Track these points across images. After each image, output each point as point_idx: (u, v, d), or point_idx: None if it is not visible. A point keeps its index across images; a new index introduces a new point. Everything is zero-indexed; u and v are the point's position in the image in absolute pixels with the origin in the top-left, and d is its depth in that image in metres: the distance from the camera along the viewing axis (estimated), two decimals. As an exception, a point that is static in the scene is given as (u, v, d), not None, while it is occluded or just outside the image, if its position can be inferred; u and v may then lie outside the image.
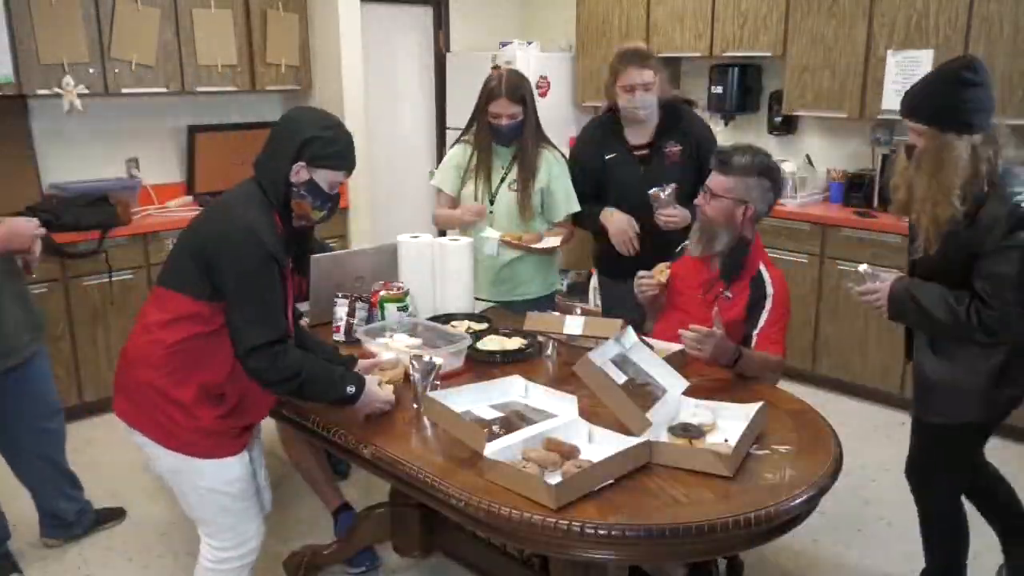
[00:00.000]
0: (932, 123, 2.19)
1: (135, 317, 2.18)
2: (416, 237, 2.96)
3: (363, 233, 5.01)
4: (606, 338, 2.24)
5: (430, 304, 2.93)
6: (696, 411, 2.12)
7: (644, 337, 2.39)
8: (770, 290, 2.53)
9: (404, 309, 2.77)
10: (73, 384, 4.02)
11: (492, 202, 3.13)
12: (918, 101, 2.23)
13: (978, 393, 2.28)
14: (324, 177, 2.08)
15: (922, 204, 2.23)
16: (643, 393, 2.13)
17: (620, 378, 2.10)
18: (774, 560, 2.97)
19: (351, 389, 2.11)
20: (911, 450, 2.53)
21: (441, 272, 2.94)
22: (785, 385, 2.62)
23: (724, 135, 4.90)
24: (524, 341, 2.62)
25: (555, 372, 2.51)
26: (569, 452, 1.89)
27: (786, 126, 4.89)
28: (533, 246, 3.09)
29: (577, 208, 3.21)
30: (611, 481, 1.82)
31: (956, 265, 2.22)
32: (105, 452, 3.70)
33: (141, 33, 4.19)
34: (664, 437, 1.99)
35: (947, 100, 2.17)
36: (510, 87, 2.99)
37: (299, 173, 2.06)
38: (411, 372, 2.20)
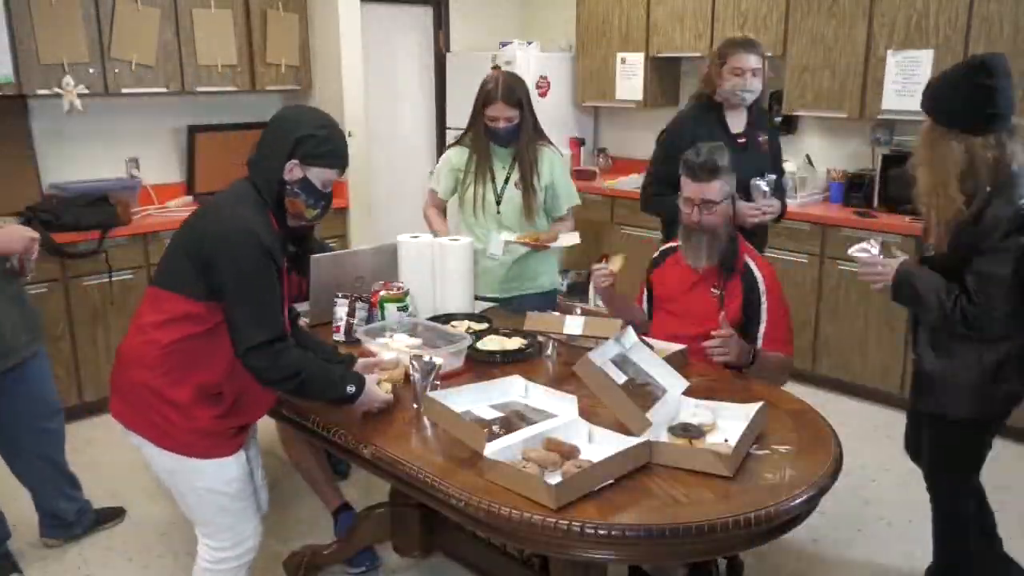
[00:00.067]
0: (929, 114, 2.27)
1: (133, 318, 2.18)
2: (416, 237, 2.96)
3: (363, 233, 5.01)
4: (606, 338, 2.24)
5: (430, 304, 2.94)
6: (696, 411, 2.12)
7: (644, 337, 2.39)
8: (762, 286, 2.59)
9: (404, 309, 2.77)
10: (73, 384, 4.02)
11: (499, 202, 3.14)
12: (927, 91, 2.30)
13: (971, 388, 2.31)
14: (317, 175, 2.08)
15: (927, 197, 2.28)
16: (643, 393, 2.13)
17: (620, 378, 2.10)
18: (774, 560, 2.97)
19: (351, 388, 2.11)
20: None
21: (441, 272, 2.94)
22: (785, 385, 2.62)
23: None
24: (524, 341, 2.62)
25: (555, 372, 2.51)
26: (569, 452, 1.89)
27: (786, 126, 4.88)
28: (552, 245, 3.10)
29: (577, 201, 3.26)
30: (611, 481, 1.82)
31: (961, 264, 2.24)
32: (105, 452, 3.70)
33: (141, 33, 4.19)
34: (664, 437, 1.99)
35: (946, 94, 2.23)
36: (506, 90, 3.01)
37: (292, 171, 2.06)
38: (411, 372, 2.20)
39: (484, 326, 2.76)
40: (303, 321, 2.64)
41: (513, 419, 2.07)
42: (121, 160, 4.57)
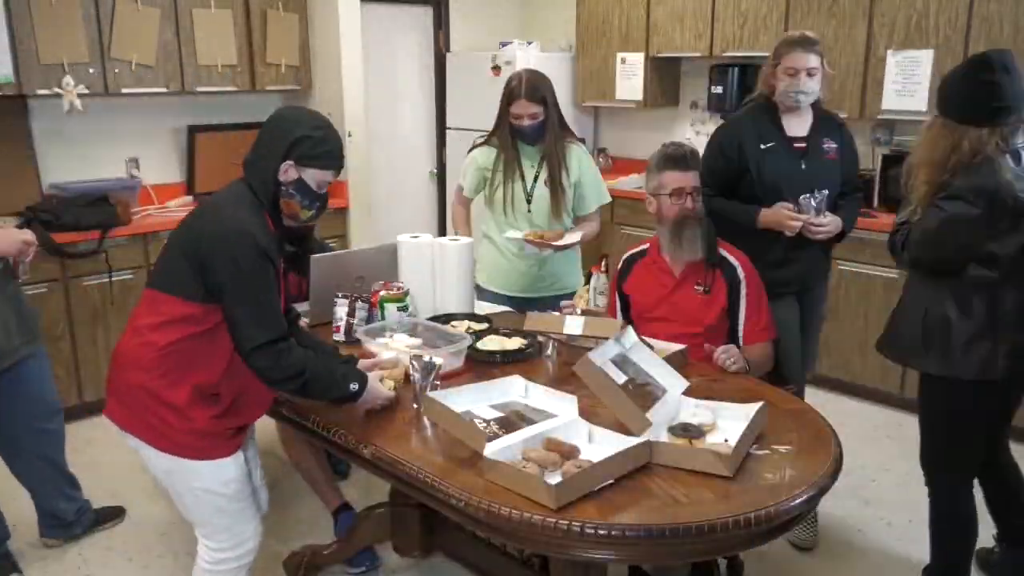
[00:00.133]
0: (938, 111, 2.37)
1: (129, 319, 2.18)
2: (416, 237, 2.96)
3: (363, 233, 5.01)
4: (606, 338, 2.24)
5: (430, 304, 2.94)
6: (696, 411, 2.12)
7: (644, 337, 2.39)
8: (741, 273, 2.65)
9: (404, 309, 2.77)
10: (73, 384, 4.02)
11: (529, 200, 3.15)
12: (938, 90, 2.41)
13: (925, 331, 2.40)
14: (313, 176, 2.08)
15: (915, 169, 2.41)
16: (643, 393, 2.13)
17: (620, 378, 2.10)
18: (774, 560, 2.97)
19: (354, 386, 2.11)
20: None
21: (441, 272, 2.94)
22: (783, 384, 2.62)
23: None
24: (524, 341, 2.61)
25: (555, 372, 2.50)
26: (569, 452, 1.89)
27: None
28: (555, 243, 3.10)
29: (607, 199, 3.27)
30: (611, 481, 1.82)
31: None
32: (105, 452, 3.70)
33: (141, 33, 4.19)
34: (664, 437, 1.99)
35: (945, 84, 2.35)
36: (529, 88, 3.03)
37: (287, 172, 2.06)
38: (411, 372, 2.20)
39: (484, 326, 2.76)
40: (303, 321, 2.64)
41: (513, 419, 2.07)
42: (121, 160, 4.57)
